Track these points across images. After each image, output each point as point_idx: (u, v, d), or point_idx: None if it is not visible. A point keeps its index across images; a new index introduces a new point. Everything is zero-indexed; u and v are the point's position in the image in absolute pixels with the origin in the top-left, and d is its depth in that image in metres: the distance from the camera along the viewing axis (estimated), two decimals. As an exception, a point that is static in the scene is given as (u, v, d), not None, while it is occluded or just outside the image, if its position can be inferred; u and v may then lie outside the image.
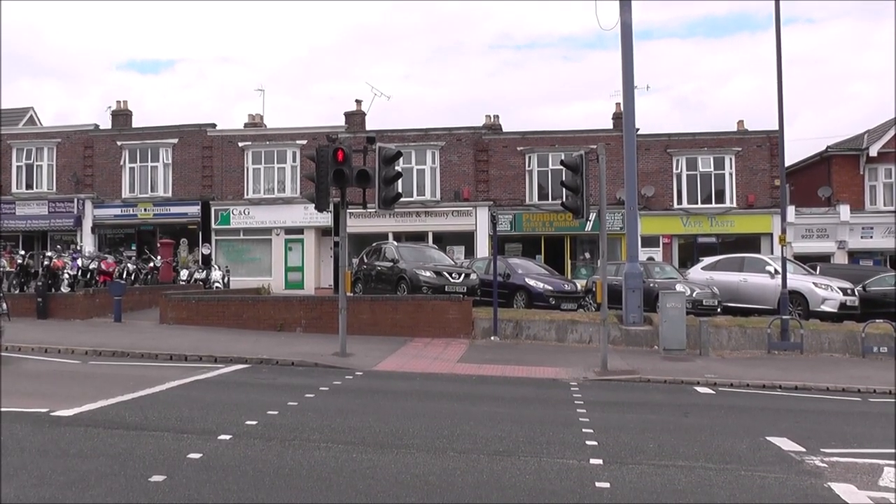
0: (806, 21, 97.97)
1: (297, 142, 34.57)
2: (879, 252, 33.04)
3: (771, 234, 31.81)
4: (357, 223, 31.61)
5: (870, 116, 75.72)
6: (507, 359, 16.78)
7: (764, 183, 33.15)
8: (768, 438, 9.34)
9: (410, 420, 9.76)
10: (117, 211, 35.59)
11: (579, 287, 24.52)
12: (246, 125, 37.35)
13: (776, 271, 21.47)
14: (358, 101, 35.95)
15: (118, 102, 37.54)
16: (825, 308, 21.41)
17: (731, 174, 33.32)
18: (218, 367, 14.50)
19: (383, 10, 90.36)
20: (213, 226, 34.97)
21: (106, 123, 37.22)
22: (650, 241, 32.46)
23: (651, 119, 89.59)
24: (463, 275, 21.39)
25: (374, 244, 25.11)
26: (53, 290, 22.94)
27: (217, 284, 28.32)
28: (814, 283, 22.08)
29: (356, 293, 22.40)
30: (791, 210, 30.89)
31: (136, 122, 37.66)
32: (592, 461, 7.83)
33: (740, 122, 34.95)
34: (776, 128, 20.59)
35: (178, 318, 21.10)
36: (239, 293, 25.55)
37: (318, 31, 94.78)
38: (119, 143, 35.82)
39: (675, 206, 33.48)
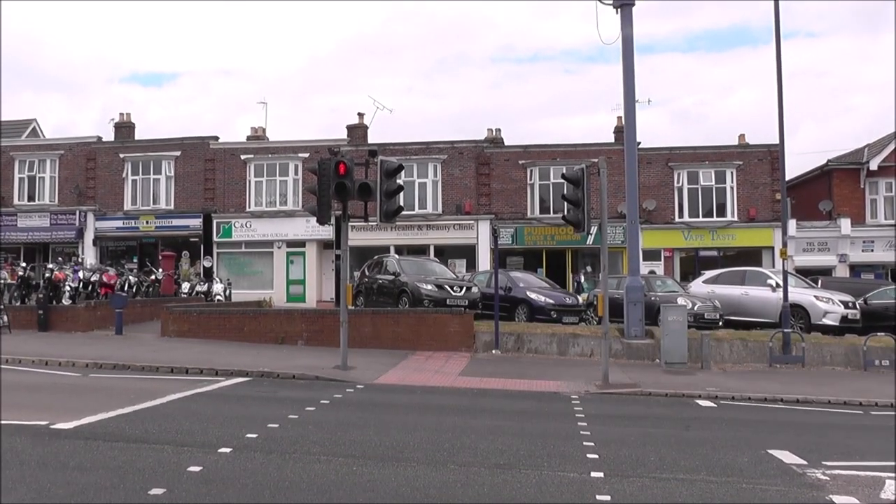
0: (806, 35, 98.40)
1: (300, 155, 34.63)
2: (881, 265, 33.03)
3: (772, 248, 31.80)
4: (358, 236, 31.65)
5: (870, 129, 75.82)
6: (509, 372, 16.76)
7: (765, 196, 33.18)
8: (770, 451, 9.31)
9: (411, 433, 9.74)
10: (119, 223, 35.61)
11: (581, 300, 24.49)
12: (248, 138, 37.44)
13: (777, 285, 21.45)
14: (360, 114, 36.04)
15: (121, 115, 37.64)
16: (827, 321, 21.36)
17: (732, 188, 33.35)
18: (219, 380, 14.48)
19: (384, 22, 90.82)
20: (215, 238, 34.99)
21: (108, 136, 37.31)
22: (651, 255, 32.45)
23: (652, 132, 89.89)
24: (464, 288, 21.37)
25: (375, 257, 25.08)
26: (54, 302, 22.93)
27: (218, 297, 28.32)
28: (815, 296, 22.05)
29: (357, 306, 22.37)
30: (792, 224, 30.89)
31: (139, 135, 37.78)
32: (593, 474, 7.82)
33: (741, 136, 35.03)
34: (777, 141, 20.62)
35: (179, 331, 21.08)
36: (240, 306, 25.54)
37: (318, 44, 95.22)
38: (121, 155, 35.89)
39: (677, 219, 33.48)
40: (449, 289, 20.97)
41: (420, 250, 32.42)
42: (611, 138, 34.93)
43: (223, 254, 35.26)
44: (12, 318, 21.54)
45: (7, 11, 78.19)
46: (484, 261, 32.53)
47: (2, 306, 21.91)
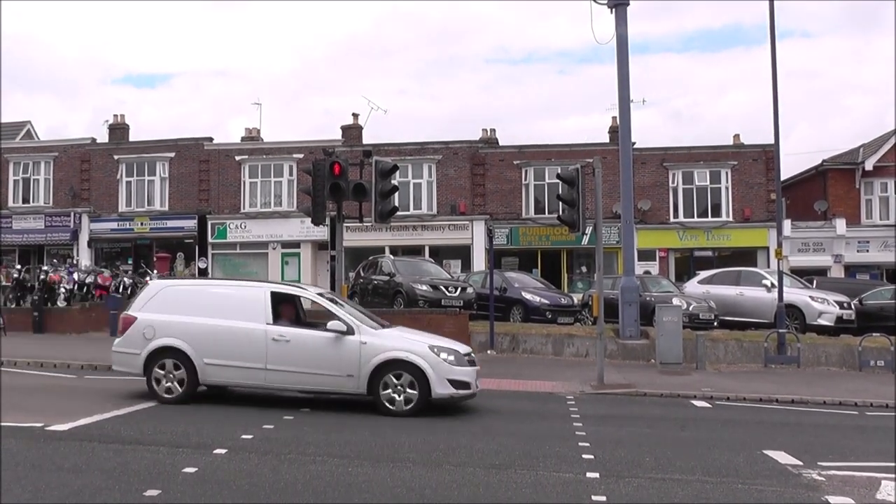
0: (801, 35, 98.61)
1: (294, 155, 34.57)
2: (876, 266, 33.09)
3: (767, 248, 31.78)
4: (353, 237, 31.59)
5: (865, 129, 75.93)
6: (504, 373, 16.74)
7: (760, 197, 33.20)
8: (765, 452, 9.33)
9: (406, 433, 9.74)
10: (114, 225, 35.50)
11: (576, 301, 24.52)
12: (243, 139, 37.32)
13: (773, 285, 21.46)
14: (355, 115, 35.96)
15: (115, 116, 37.47)
16: (822, 322, 21.41)
17: (727, 188, 33.36)
18: (214, 381, 14.41)
19: (378, 23, 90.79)
20: (210, 240, 34.91)
21: (103, 137, 37.17)
22: (647, 255, 32.46)
23: (647, 133, 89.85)
24: (459, 289, 21.38)
25: (370, 258, 25.08)
26: (50, 304, 22.89)
27: (213, 298, 28.17)
28: (810, 296, 22.09)
29: (353, 307, 22.31)
30: (787, 224, 30.93)
31: (133, 136, 37.60)
32: (589, 475, 7.82)
33: (736, 136, 35.01)
34: (772, 141, 20.66)
35: (174, 333, 21.00)
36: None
37: (312, 45, 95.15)
38: (116, 156, 35.78)
39: (672, 219, 33.48)
40: (444, 289, 20.98)
41: (415, 251, 32.38)
42: (606, 138, 34.91)
43: (218, 255, 35.18)
44: (8, 320, 21.50)
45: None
46: (479, 261, 32.49)
47: (-4, 308, 21.87)
